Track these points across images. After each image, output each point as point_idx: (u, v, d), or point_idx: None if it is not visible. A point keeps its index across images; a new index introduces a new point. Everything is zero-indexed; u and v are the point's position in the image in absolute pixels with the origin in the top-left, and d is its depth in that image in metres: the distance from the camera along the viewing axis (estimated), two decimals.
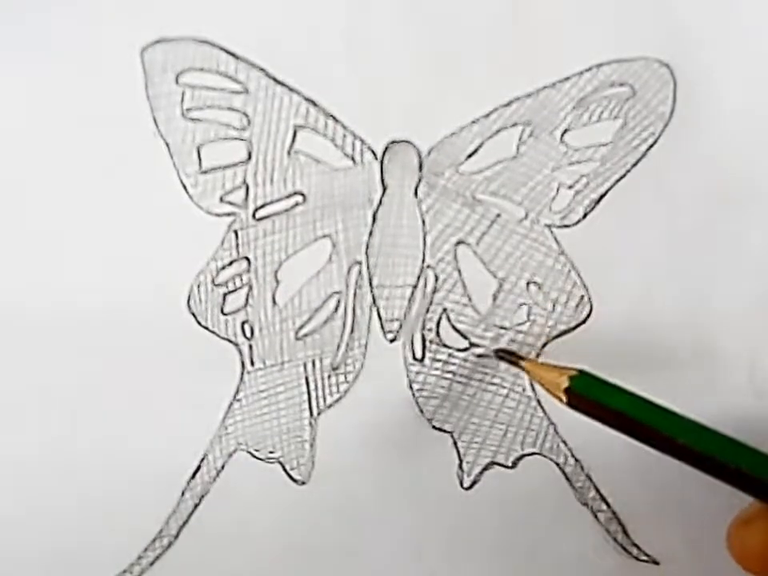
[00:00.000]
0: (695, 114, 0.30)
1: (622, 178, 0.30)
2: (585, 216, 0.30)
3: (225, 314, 0.30)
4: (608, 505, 0.29)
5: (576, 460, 0.29)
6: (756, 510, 0.25)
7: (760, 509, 0.25)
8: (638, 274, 0.30)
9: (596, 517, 0.29)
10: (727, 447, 0.24)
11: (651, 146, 0.30)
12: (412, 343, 0.30)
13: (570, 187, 0.30)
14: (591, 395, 0.26)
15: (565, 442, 0.30)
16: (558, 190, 0.30)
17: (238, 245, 0.30)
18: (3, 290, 0.30)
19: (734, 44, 0.30)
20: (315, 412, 0.30)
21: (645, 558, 0.29)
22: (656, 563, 0.29)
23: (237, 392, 0.30)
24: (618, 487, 0.29)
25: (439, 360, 0.30)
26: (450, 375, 0.30)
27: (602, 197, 0.30)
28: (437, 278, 0.30)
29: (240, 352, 0.30)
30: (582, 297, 0.30)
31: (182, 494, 0.29)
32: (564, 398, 0.26)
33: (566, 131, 0.30)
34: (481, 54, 0.30)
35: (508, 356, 0.29)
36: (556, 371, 0.27)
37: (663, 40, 0.30)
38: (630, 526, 0.29)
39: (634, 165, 0.30)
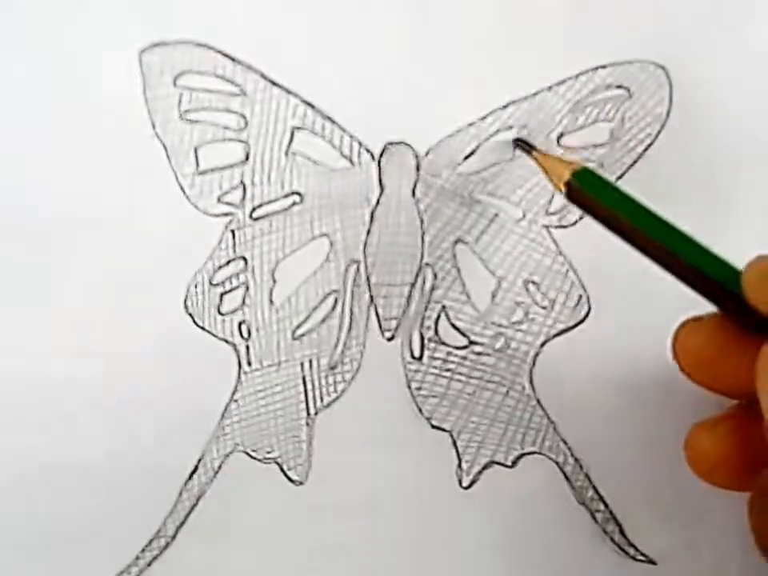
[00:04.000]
0: (691, 115, 0.30)
1: (618, 179, 0.30)
2: (582, 217, 0.30)
3: (222, 314, 0.30)
4: (606, 505, 0.29)
5: (575, 459, 0.29)
6: (721, 416, 0.26)
7: (725, 415, 0.26)
8: (634, 274, 0.30)
9: (593, 516, 0.29)
10: (719, 264, 0.24)
11: (648, 147, 0.30)
12: (410, 342, 0.30)
13: None
14: (589, 191, 0.26)
15: (564, 441, 0.29)
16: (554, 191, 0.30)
17: (235, 244, 0.30)
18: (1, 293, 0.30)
19: (729, 46, 0.30)
20: (313, 412, 0.30)
21: (642, 557, 0.29)
22: (653, 563, 0.29)
23: (234, 392, 0.30)
24: (617, 487, 0.29)
25: (438, 358, 0.30)
26: (448, 373, 0.30)
27: None
28: (435, 276, 0.30)
29: (237, 352, 0.30)
30: (580, 297, 0.30)
31: (180, 494, 0.29)
32: (563, 190, 0.26)
33: (562, 134, 0.30)
34: (478, 57, 0.31)
35: (523, 144, 0.29)
36: (562, 164, 0.27)
37: (659, 42, 0.30)
38: (627, 525, 0.29)
39: (631, 166, 0.30)
